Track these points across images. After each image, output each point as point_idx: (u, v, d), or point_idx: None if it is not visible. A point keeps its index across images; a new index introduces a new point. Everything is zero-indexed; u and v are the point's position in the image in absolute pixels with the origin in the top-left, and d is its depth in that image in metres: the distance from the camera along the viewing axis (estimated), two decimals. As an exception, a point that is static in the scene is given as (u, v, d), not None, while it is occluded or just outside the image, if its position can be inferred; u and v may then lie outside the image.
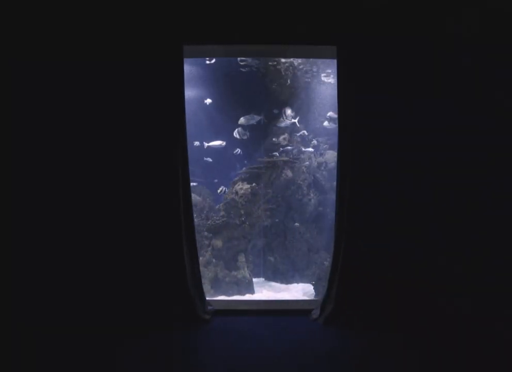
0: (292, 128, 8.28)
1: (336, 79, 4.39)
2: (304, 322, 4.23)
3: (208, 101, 7.62)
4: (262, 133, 8.08)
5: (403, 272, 4.23)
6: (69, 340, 3.76)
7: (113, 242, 4.07)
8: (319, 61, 7.49)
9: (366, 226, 4.25)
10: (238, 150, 7.76)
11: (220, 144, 7.60)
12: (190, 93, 8.27)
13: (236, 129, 7.45)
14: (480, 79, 4.20)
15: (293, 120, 7.31)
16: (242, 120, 7.37)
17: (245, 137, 7.49)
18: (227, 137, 7.55)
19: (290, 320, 4.35)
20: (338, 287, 4.09)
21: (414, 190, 4.24)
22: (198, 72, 7.90)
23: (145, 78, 4.12)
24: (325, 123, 7.80)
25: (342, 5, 4.10)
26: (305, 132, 8.02)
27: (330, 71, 7.65)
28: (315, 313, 4.28)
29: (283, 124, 7.55)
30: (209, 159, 8.08)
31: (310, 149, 8.09)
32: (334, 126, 7.71)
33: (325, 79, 7.84)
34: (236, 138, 7.54)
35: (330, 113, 7.66)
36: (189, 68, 7.83)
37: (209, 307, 4.24)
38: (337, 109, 4.29)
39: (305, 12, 4.14)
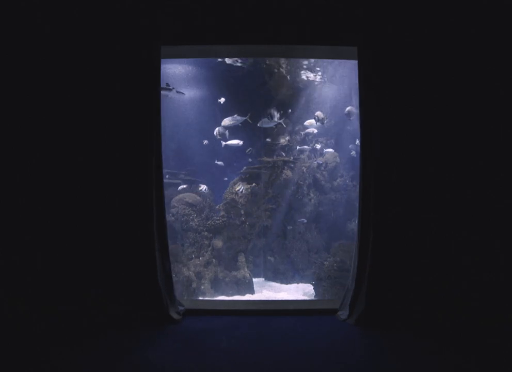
0: (294, 128, 8.30)
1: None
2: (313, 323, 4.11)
3: (222, 99, 7.70)
4: (263, 133, 8.12)
5: (437, 270, 4.06)
6: (24, 336, 3.58)
7: (80, 238, 4.03)
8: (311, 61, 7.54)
9: (395, 223, 4.09)
10: (251, 149, 7.91)
11: (237, 144, 7.67)
12: (192, 92, 8.38)
13: (217, 128, 7.41)
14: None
15: (278, 121, 7.26)
16: (225, 121, 7.36)
17: (225, 137, 7.46)
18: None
19: (273, 320, 4.17)
20: (369, 287, 3.98)
21: (447, 183, 4.10)
22: (202, 72, 7.97)
23: (120, 79, 4.08)
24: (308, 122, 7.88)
25: (363, 6, 4.12)
26: (314, 130, 8.04)
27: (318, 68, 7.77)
28: (343, 314, 4.14)
29: (269, 125, 7.45)
30: (221, 163, 8.21)
31: (318, 146, 8.16)
32: (320, 125, 7.82)
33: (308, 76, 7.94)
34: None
35: (318, 113, 7.64)
36: (191, 68, 7.91)
37: (180, 308, 4.20)
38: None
39: (325, 13, 4.17)
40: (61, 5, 4.06)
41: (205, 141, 8.06)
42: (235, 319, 4.14)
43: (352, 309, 4.08)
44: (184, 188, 8.24)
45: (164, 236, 4.14)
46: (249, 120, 7.22)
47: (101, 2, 4.10)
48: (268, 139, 7.96)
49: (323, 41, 4.31)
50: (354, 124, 8.08)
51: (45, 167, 4.07)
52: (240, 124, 7.36)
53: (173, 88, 7.09)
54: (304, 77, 8.11)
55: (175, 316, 4.00)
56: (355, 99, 8.17)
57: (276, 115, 6.96)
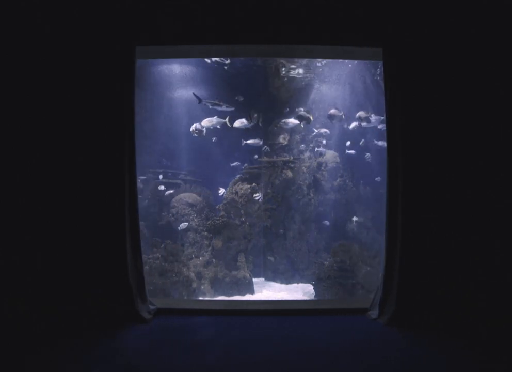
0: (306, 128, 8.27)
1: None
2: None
3: (240, 97, 7.67)
4: (262, 134, 8.12)
5: (470, 270, 4.03)
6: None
7: (49, 238, 4.00)
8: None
9: (424, 223, 4.06)
10: (266, 148, 7.97)
11: (258, 143, 7.72)
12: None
13: (194, 125, 7.26)
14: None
15: (254, 122, 7.21)
16: (205, 122, 7.28)
17: (201, 134, 7.33)
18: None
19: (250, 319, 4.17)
20: (400, 287, 3.99)
21: (477, 183, 4.08)
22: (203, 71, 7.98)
23: (93, 78, 4.06)
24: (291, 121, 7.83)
25: (387, 6, 4.14)
26: (327, 130, 8.03)
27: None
28: (373, 313, 4.15)
29: (246, 126, 7.27)
30: (237, 163, 8.26)
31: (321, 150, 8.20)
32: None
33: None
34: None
35: (302, 112, 7.60)
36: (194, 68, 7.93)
37: (152, 307, 4.19)
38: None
39: (349, 13, 4.17)
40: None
41: (214, 139, 8.08)
42: (209, 319, 4.19)
43: (383, 309, 4.09)
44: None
45: (137, 236, 4.14)
46: (227, 123, 7.15)
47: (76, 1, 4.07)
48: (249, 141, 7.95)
49: (346, 42, 4.31)
50: (339, 126, 8.18)
51: (9, 166, 4.03)
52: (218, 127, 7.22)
53: (223, 104, 6.92)
54: (302, 76, 8.11)
55: (146, 315, 4.00)
56: (349, 101, 8.22)
57: (254, 117, 6.87)
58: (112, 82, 4.08)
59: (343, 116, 7.62)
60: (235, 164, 8.30)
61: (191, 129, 7.33)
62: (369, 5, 4.18)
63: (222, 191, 7.73)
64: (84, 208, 4.03)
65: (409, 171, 4.09)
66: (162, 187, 8.25)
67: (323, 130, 8.01)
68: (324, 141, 8.29)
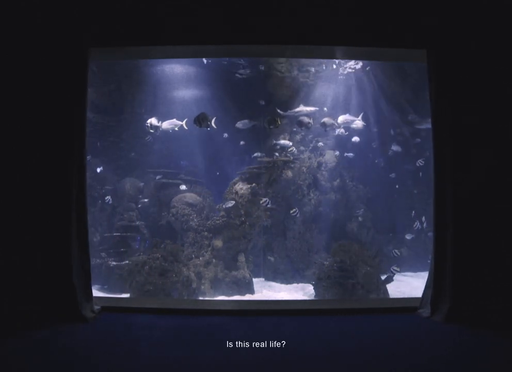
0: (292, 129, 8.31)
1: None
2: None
3: (262, 102, 7.96)
4: (262, 134, 8.14)
5: None
6: None
7: None
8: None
9: (474, 218, 4.00)
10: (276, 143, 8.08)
11: (288, 144, 7.89)
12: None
13: (150, 120, 7.18)
14: None
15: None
16: (165, 124, 7.27)
17: (157, 130, 7.25)
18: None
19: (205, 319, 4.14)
20: (454, 283, 3.97)
21: None
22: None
23: (44, 78, 4.03)
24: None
25: (431, 7, 4.14)
26: (343, 130, 8.05)
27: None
28: (425, 312, 4.13)
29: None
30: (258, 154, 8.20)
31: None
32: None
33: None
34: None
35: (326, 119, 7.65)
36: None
37: (96, 307, 4.18)
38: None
39: (393, 14, 4.20)
40: None
41: (225, 135, 8.16)
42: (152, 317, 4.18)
43: (435, 307, 4.07)
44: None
45: (85, 236, 4.15)
46: (184, 126, 7.14)
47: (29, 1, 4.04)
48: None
49: (389, 43, 4.32)
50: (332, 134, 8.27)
51: None
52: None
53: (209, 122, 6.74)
54: (300, 77, 8.13)
55: (89, 315, 3.99)
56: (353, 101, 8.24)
57: (205, 121, 6.63)
58: (63, 82, 4.06)
59: (336, 124, 7.64)
60: (256, 154, 8.24)
61: (146, 124, 7.18)
62: (413, 8, 4.19)
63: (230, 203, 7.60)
64: (28, 209, 4.00)
65: (459, 158, 4.06)
66: (183, 187, 8.32)
67: (340, 130, 8.09)
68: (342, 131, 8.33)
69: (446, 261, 4.05)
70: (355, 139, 8.26)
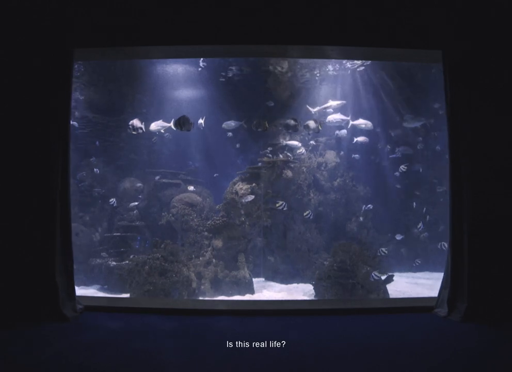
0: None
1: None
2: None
3: (271, 103, 8.02)
4: (262, 134, 8.13)
5: None
6: None
7: None
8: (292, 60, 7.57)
9: (491, 219, 4.05)
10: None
11: (297, 145, 7.94)
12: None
13: (132, 121, 6.95)
14: None
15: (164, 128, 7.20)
16: (152, 126, 7.24)
17: (138, 131, 7.03)
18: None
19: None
20: (471, 283, 3.99)
21: None
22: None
23: (28, 79, 4.04)
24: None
25: (448, 8, 4.17)
26: (344, 131, 8.06)
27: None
28: (441, 311, 4.16)
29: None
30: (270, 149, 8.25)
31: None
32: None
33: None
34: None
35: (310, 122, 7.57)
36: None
37: (79, 306, 4.18)
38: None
39: (408, 15, 4.22)
40: None
41: (229, 134, 8.16)
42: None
43: (452, 306, 4.09)
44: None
45: (68, 235, 4.16)
46: (173, 126, 6.98)
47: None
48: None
49: (406, 44, 4.35)
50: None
51: None
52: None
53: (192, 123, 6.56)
54: (301, 78, 8.12)
55: (70, 314, 3.99)
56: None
57: (187, 125, 6.36)
58: (47, 82, 4.07)
59: (320, 127, 7.42)
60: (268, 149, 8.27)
61: (129, 125, 7.01)
62: (430, 10, 4.21)
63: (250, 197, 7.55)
64: (11, 208, 4.02)
65: (474, 167, 4.09)
66: (191, 188, 8.35)
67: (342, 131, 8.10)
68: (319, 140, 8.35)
69: (463, 261, 4.06)
70: (363, 139, 8.17)
